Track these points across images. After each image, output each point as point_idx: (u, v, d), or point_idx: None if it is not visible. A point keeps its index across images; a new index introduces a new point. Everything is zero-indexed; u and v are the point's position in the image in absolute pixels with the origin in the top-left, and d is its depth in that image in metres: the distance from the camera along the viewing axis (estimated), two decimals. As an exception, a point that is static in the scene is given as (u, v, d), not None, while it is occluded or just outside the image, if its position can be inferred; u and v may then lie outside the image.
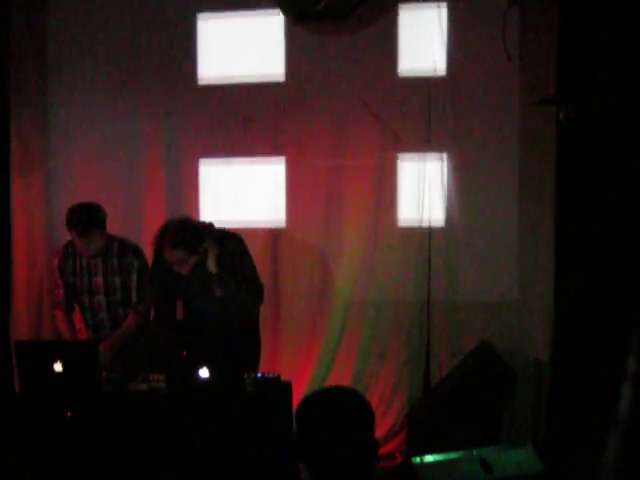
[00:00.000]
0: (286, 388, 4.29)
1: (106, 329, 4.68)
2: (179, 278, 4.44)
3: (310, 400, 2.07)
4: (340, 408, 2.04)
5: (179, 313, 4.82)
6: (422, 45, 5.31)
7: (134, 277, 4.64)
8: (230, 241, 4.51)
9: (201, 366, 3.99)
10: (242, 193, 5.49)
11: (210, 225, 4.56)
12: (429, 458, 3.66)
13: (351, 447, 2.00)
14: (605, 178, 4.85)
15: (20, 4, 5.39)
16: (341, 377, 5.33)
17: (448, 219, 5.36)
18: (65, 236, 4.74)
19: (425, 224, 5.37)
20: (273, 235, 5.49)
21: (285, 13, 5.27)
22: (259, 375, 4.18)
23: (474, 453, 3.70)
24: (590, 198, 4.92)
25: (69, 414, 4.01)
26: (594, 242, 4.90)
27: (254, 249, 5.31)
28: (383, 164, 5.40)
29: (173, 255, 4.31)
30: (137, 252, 4.68)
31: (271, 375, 4.20)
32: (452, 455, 3.70)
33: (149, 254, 5.04)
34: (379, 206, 5.41)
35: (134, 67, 5.43)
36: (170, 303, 4.63)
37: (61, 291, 4.71)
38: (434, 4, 5.28)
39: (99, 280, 4.64)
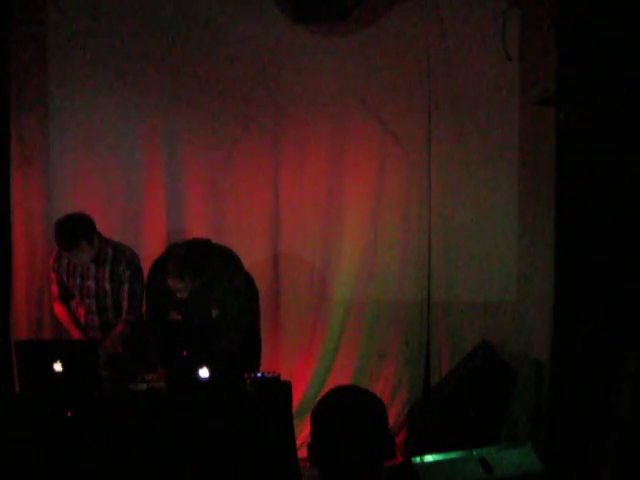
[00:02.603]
0: (286, 388, 4.29)
1: (96, 330, 4.69)
2: (176, 298, 4.45)
3: (325, 400, 2.07)
4: (356, 408, 2.04)
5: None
6: (421, 44, 5.32)
7: (125, 286, 4.61)
8: (222, 269, 4.49)
9: (201, 366, 4.00)
10: (240, 193, 5.48)
11: (208, 244, 4.56)
12: (429, 458, 3.66)
13: (366, 447, 2.00)
14: (605, 178, 4.85)
15: (20, 4, 5.39)
16: (341, 377, 5.32)
17: (448, 219, 5.36)
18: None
19: (425, 224, 5.37)
20: (273, 235, 5.48)
21: (285, 13, 5.27)
22: (259, 375, 4.18)
23: (474, 453, 3.70)
24: (590, 198, 4.92)
25: (69, 414, 4.01)
26: (594, 242, 4.90)
27: (254, 249, 5.34)
28: (383, 164, 5.41)
29: (178, 284, 4.31)
30: (131, 260, 4.64)
31: (271, 375, 4.20)
32: (452, 455, 3.69)
33: (147, 259, 5.05)
34: (379, 206, 5.41)
35: (135, 67, 5.42)
36: (162, 314, 4.63)
37: (55, 287, 4.74)
38: (434, 4, 5.28)
39: (90, 284, 4.64)
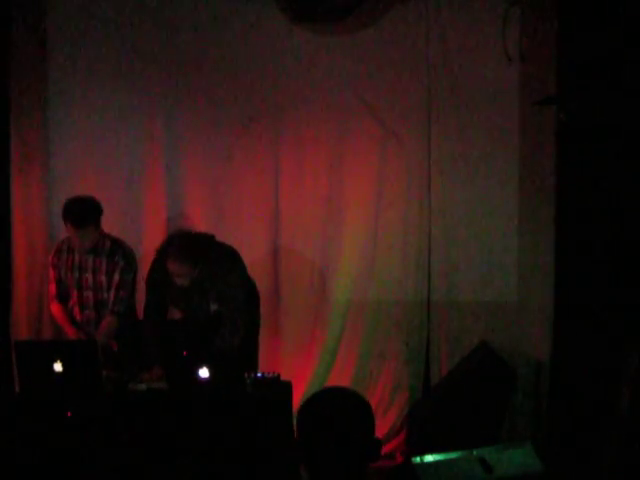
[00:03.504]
0: (286, 388, 4.30)
1: (92, 326, 4.70)
2: (176, 289, 4.45)
3: (311, 401, 2.07)
4: (340, 409, 2.04)
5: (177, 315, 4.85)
6: (421, 44, 5.32)
7: (116, 276, 4.63)
8: (222, 264, 4.49)
9: (201, 366, 4.00)
10: (240, 193, 5.48)
11: (211, 237, 4.56)
12: (429, 458, 3.66)
13: (350, 448, 2.01)
14: (605, 178, 4.85)
15: (20, 4, 5.39)
16: (341, 377, 5.32)
17: (448, 219, 5.36)
18: (64, 235, 4.76)
19: (425, 224, 5.38)
20: (273, 235, 5.48)
21: (285, 13, 5.28)
22: (259, 375, 4.19)
23: (474, 453, 3.70)
24: (590, 198, 4.92)
25: (69, 414, 4.01)
26: (594, 242, 4.90)
27: (254, 249, 5.34)
28: (383, 164, 5.41)
29: (177, 268, 4.31)
30: (127, 254, 4.67)
31: (271, 375, 4.20)
32: (452, 455, 3.70)
33: (147, 256, 5.05)
34: (379, 206, 5.41)
35: (135, 66, 5.42)
36: (161, 311, 4.64)
37: (53, 286, 4.75)
38: (434, 4, 5.29)
39: (88, 276, 4.66)
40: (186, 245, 4.32)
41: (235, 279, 4.51)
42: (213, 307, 4.52)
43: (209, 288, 4.46)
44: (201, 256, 4.32)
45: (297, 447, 2.03)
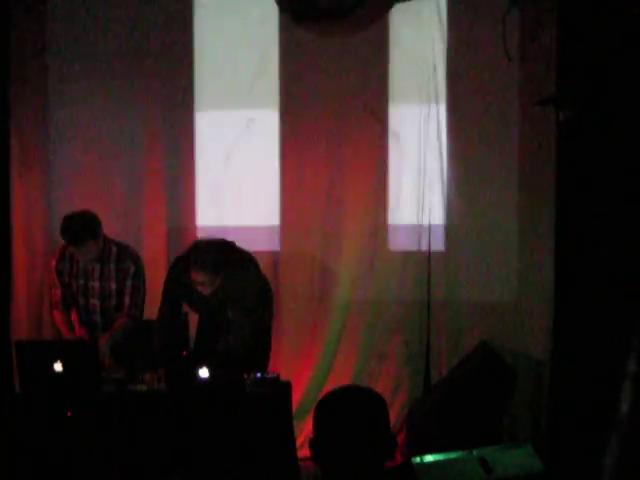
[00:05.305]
0: (286, 388, 4.29)
1: (99, 331, 4.68)
2: (197, 296, 4.45)
3: (328, 399, 2.07)
4: (357, 407, 2.04)
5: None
6: (421, 44, 5.33)
7: (129, 282, 4.61)
8: (242, 271, 4.49)
9: (201, 366, 4.00)
10: (241, 193, 5.49)
11: (232, 245, 4.55)
12: (429, 458, 3.67)
13: (367, 446, 2.01)
14: (605, 178, 4.85)
15: (20, 4, 5.39)
16: (341, 377, 5.32)
17: (448, 219, 5.36)
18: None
19: (425, 224, 5.38)
20: (273, 235, 5.48)
21: (284, 13, 5.28)
22: (259, 375, 4.18)
23: (474, 453, 3.70)
24: (590, 198, 4.92)
25: (69, 414, 4.01)
26: (594, 242, 4.90)
27: (254, 249, 5.33)
28: (383, 164, 5.41)
29: (202, 277, 4.31)
30: (135, 258, 4.66)
31: (271, 375, 4.20)
32: (452, 455, 3.70)
33: (148, 254, 5.06)
34: (379, 206, 5.42)
35: (135, 67, 5.43)
36: (176, 317, 4.65)
37: (58, 291, 4.71)
38: (433, 4, 5.29)
39: (95, 284, 4.64)
40: (210, 255, 4.30)
41: (251, 286, 4.51)
42: (230, 313, 4.53)
43: (228, 295, 4.46)
44: (225, 265, 4.32)
45: (312, 445, 2.03)
